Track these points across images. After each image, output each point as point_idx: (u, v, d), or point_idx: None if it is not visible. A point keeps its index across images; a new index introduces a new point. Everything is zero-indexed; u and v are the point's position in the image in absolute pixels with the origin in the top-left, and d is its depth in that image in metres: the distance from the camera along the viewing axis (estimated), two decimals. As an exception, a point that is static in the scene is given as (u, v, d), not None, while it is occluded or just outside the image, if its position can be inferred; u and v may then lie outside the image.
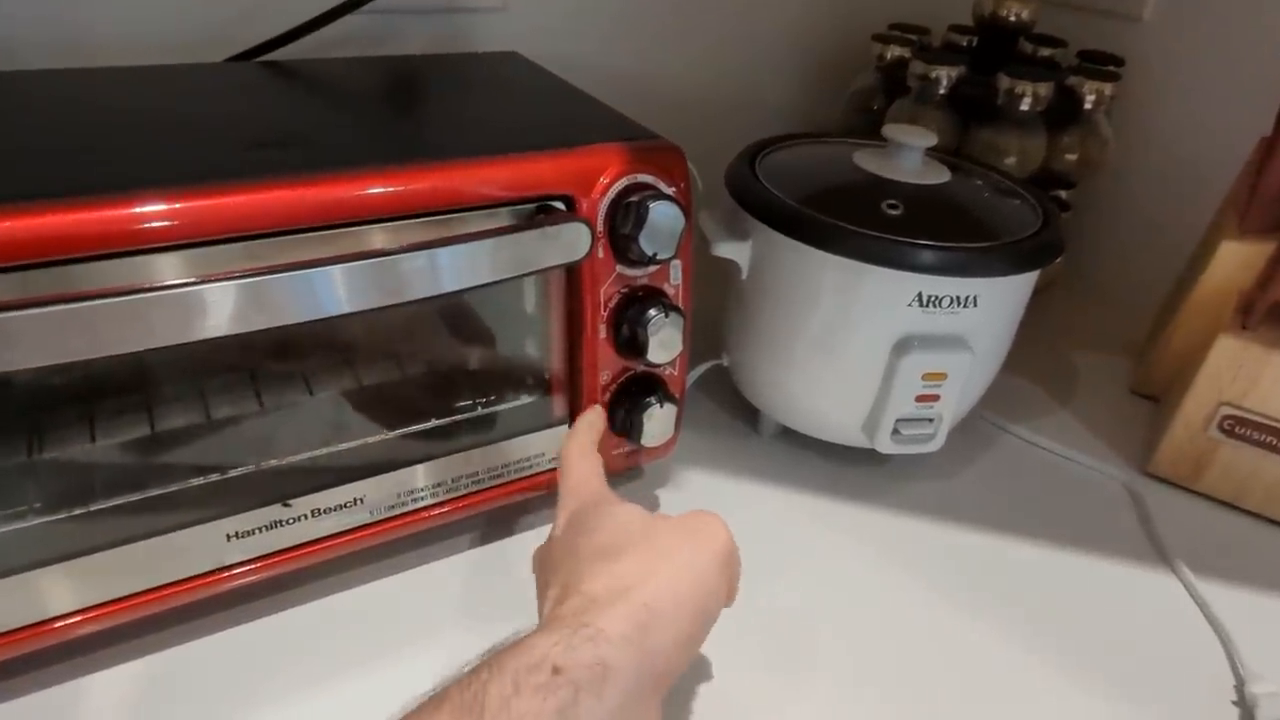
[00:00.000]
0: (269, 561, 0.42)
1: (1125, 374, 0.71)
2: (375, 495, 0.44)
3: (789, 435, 0.60)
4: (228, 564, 0.41)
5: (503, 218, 0.41)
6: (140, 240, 0.33)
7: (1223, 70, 0.72)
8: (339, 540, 0.44)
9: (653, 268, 0.45)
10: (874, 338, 0.50)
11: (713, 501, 0.54)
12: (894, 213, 0.50)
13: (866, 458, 0.57)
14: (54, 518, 0.38)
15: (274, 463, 0.42)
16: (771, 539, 0.51)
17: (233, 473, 0.41)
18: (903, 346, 0.50)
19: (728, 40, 0.81)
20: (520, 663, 0.29)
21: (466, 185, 0.39)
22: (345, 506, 0.44)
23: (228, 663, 0.42)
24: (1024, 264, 0.50)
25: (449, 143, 0.44)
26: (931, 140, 0.54)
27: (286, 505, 0.42)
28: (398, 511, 0.45)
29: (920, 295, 0.48)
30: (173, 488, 0.40)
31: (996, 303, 0.51)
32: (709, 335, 0.58)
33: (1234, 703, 0.44)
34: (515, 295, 0.47)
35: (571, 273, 0.44)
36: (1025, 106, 0.69)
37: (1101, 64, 0.74)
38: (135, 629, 0.41)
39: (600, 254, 0.43)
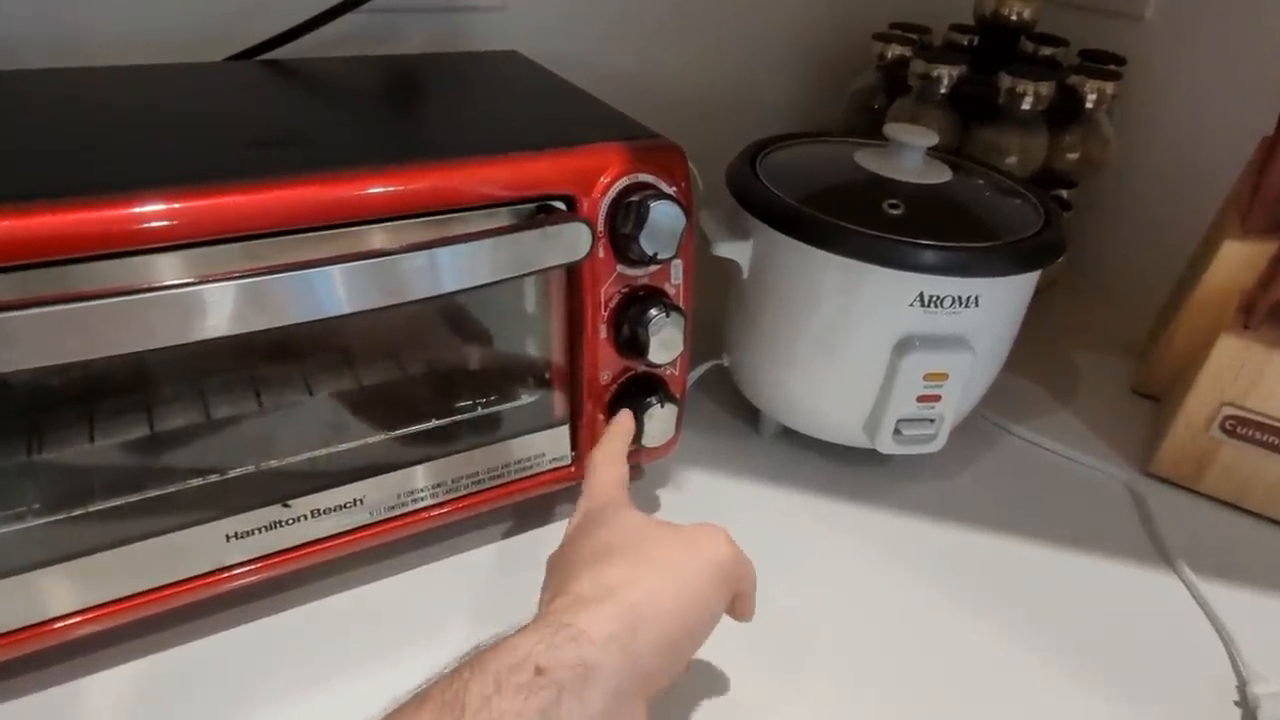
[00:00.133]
0: (269, 562, 0.42)
1: (1127, 374, 0.71)
2: (375, 496, 0.44)
3: (790, 435, 0.59)
4: (227, 564, 0.41)
5: (503, 217, 0.41)
6: (139, 240, 0.33)
7: (1224, 69, 0.72)
8: (339, 541, 0.44)
9: (653, 267, 0.45)
10: (875, 338, 0.50)
11: (713, 501, 0.55)
12: (895, 212, 0.50)
13: (868, 458, 0.56)
14: (53, 518, 0.38)
15: (274, 463, 0.42)
16: (772, 539, 0.51)
17: (232, 473, 0.41)
18: (904, 346, 0.50)
19: (728, 39, 0.81)
20: (503, 662, 0.29)
21: (467, 185, 0.39)
22: (345, 507, 0.43)
23: (228, 663, 0.42)
24: (1025, 264, 0.49)
25: (449, 142, 0.44)
26: (933, 140, 0.54)
27: (286, 506, 0.42)
28: (398, 512, 0.45)
29: (921, 295, 0.48)
30: (172, 488, 0.40)
31: (998, 302, 0.50)
32: (710, 335, 0.58)
33: (1236, 703, 0.44)
34: (515, 295, 0.47)
35: (572, 272, 0.44)
36: (1027, 106, 0.69)
37: (1103, 63, 0.74)
38: (135, 629, 0.41)
39: (601, 254, 0.43)
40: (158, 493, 0.40)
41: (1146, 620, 0.49)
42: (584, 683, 0.29)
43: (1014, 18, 0.74)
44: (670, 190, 0.43)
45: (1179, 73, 0.75)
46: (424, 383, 0.49)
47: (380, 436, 0.45)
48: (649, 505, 0.54)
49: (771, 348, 0.55)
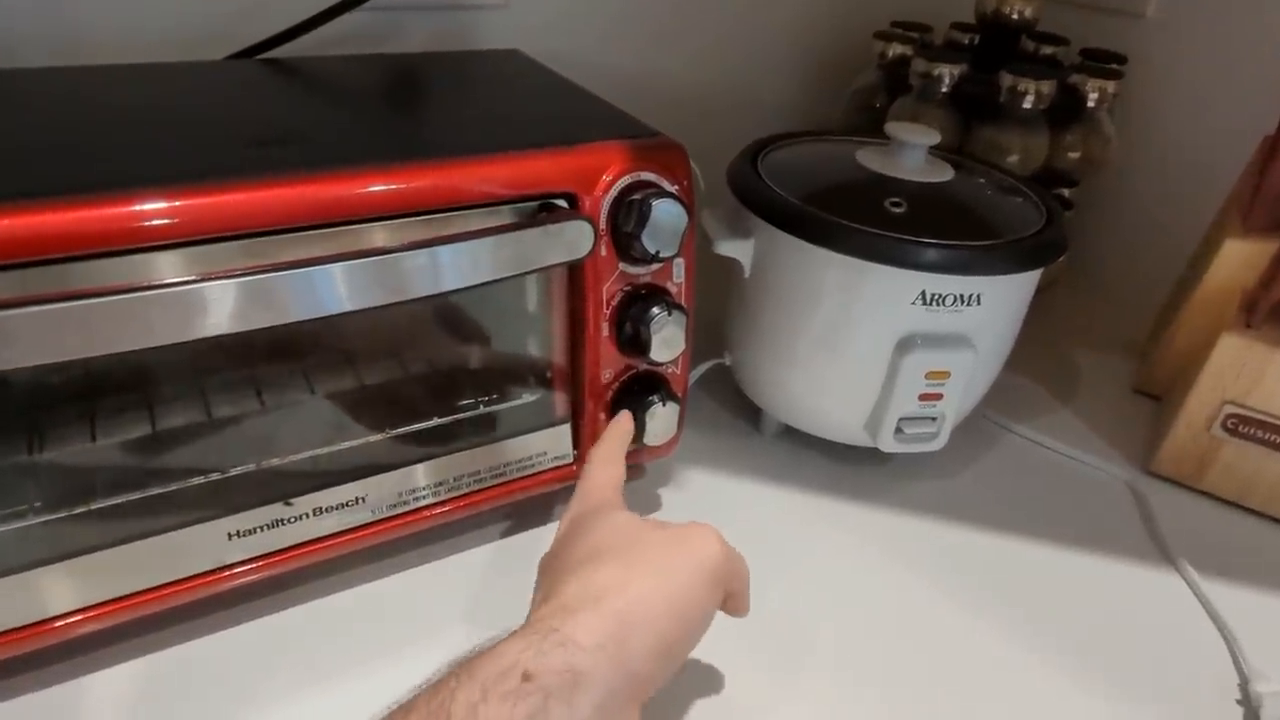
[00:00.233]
0: (270, 561, 0.42)
1: (1128, 373, 0.71)
2: (377, 494, 0.44)
3: (791, 434, 0.59)
4: (229, 563, 0.41)
5: (505, 216, 0.41)
6: (140, 238, 0.33)
7: (1226, 68, 0.72)
8: (340, 539, 0.44)
9: (655, 266, 0.45)
10: (877, 336, 0.50)
11: (715, 500, 0.54)
12: (897, 211, 0.50)
13: (869, 457, 0.56)
14: (54, 517, 0.37)
15: (275, 461, 0.42)
16: (773, 538, 0.51)
17: (234, 471, 0.41)
18: (906, 345, 0.49)
19: (730, 38, 0.80)
20: (490, 669, 0.29)
21: (468, 183, 0.39)
22: (347, 505, 0.43)
23: (228, 662, 0.42)
24: (1027, 262, 0.49)
25: (450, 141, 0.44)
26: (934, 138, 0.54)
27: (288, 504, 0.42)
28: (399, 510, 0.45)
29: (923, 293, 0.48)
30: (173, 487, 0.40)
31: (999, 301, 0.50)
32: (711, 334, 0.58)
33: (1238, 702, 0.44)
34: (517, 294, 0.46)
35: (574, 271, 0.44)
36: (1028, 104, 0.69)
37: (1104, 62, 0.74)
38: (136, 628, 0.41)
39: (603, 252, 0.43)
40: (159, 491, 0.39)
41: (1148, 619, 0.49)
42: (572, 689, 0.29)
43: (1015, 16, 0.74)
44: (672, 189, 0.43)
45: (1180, 71, 0.75)
46: (425, 381, 0.49)
47: (382, 435, 0.45)
48: (650, 504, 0.53)
49: (773, 346, 0.55)
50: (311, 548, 0.43)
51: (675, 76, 0.78)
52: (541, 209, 0.41)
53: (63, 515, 0.38)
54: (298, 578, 0.45)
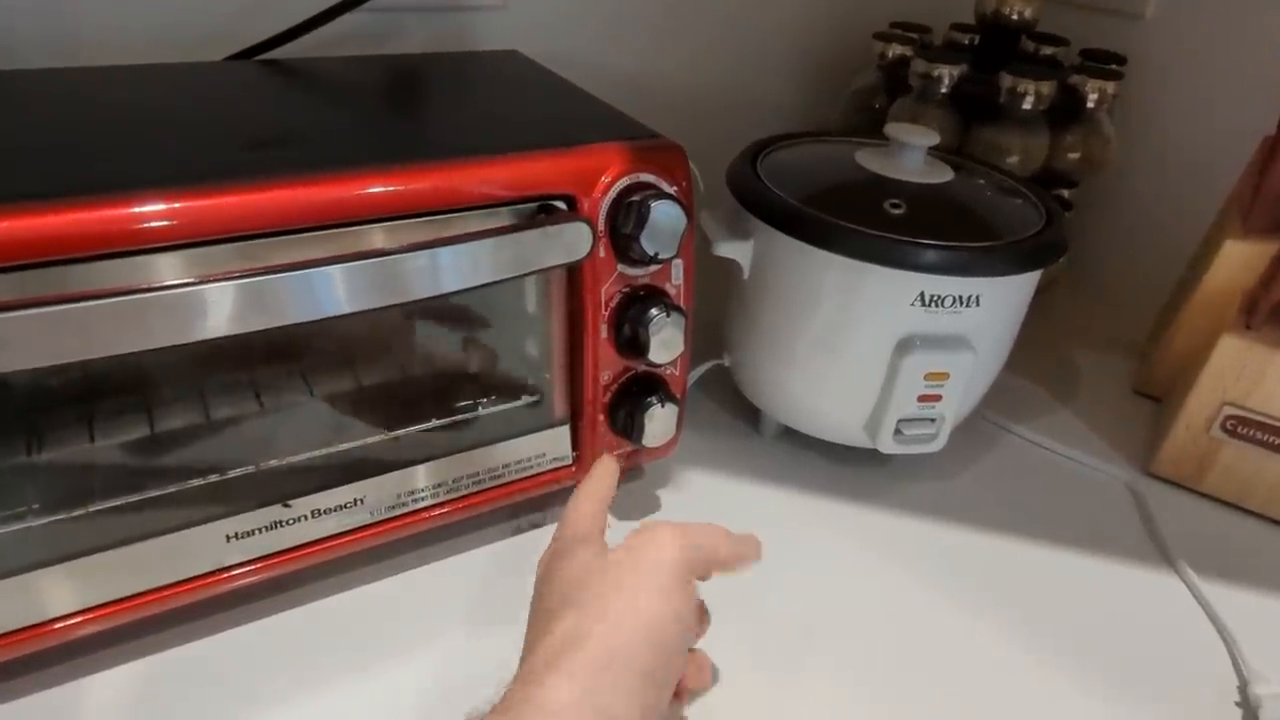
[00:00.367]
0: (269, 562, 0.42)
1: (1128, 374, 0.71)
2: (376, 496, 0.44)
3: (790, 435, 0.59)
4: (227, 565, 0.41)
5: (503, 217, 0.41)
6: (139, 240, 0.33)
7: (1225, 69, 0.72)
8: (339, 541, 0.44)
9: (654, 267, 0.45)
10: (876, 337, 0.50)
11: (714, 502, 0.54)
12: (896, 212, 0.50)
13: (868, 458, 0.56)
14: (54, 518, 0.37)
15: (274, 463, 0.42)
16: (772, 539, 0.51)
17: (232, 473, 0.41)
18: (905, 346, 0.49)
19: (729, 39, 0.80)
20: None
21: (467, 184, 0.39)
22: (346, 507, 0.43)
23: (228, 663, 0.42)
24: (1026, 263, 0.49)
25: (449, 142, 0.44)
26: (934, 139, 0.54)
27: (287, 506, 0.42)
28: (398, 512, 0.45)
29: (923, 295, 0.48)
30: (172, 488, 0.40)
31: (999, 302, 0.50)
32: (710, 335, 0.58)
33: (1237, 704, 0.44)
34: (516, 295, 0.46)
35: (573, 272, 0.44)
36: (1027, 105, 0.69)
37: (1104, 62, 0.74)
38: (135, 629, 0.41)
39: (601, 253, 0.43)
40: (158, 493, 0.39)
41: (1147, 620, 0.49)
42: None
43: (1015, 17, 0.74)
44: (671, 190, 0.43)
45: (1180, 72, 0.75)
46: (424, 382, 0.49)
47: (380, 436, 0.45)
48: (649, 505, 0.53)
49: (772, 347, 0.55)
50: (310, 549, 0.43)
51: (674, 77, 0.78)
52: (540, 210, 0.41)
53: (62, 517, 0.38)
54: (297, 579, 0.45)
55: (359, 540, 0.44)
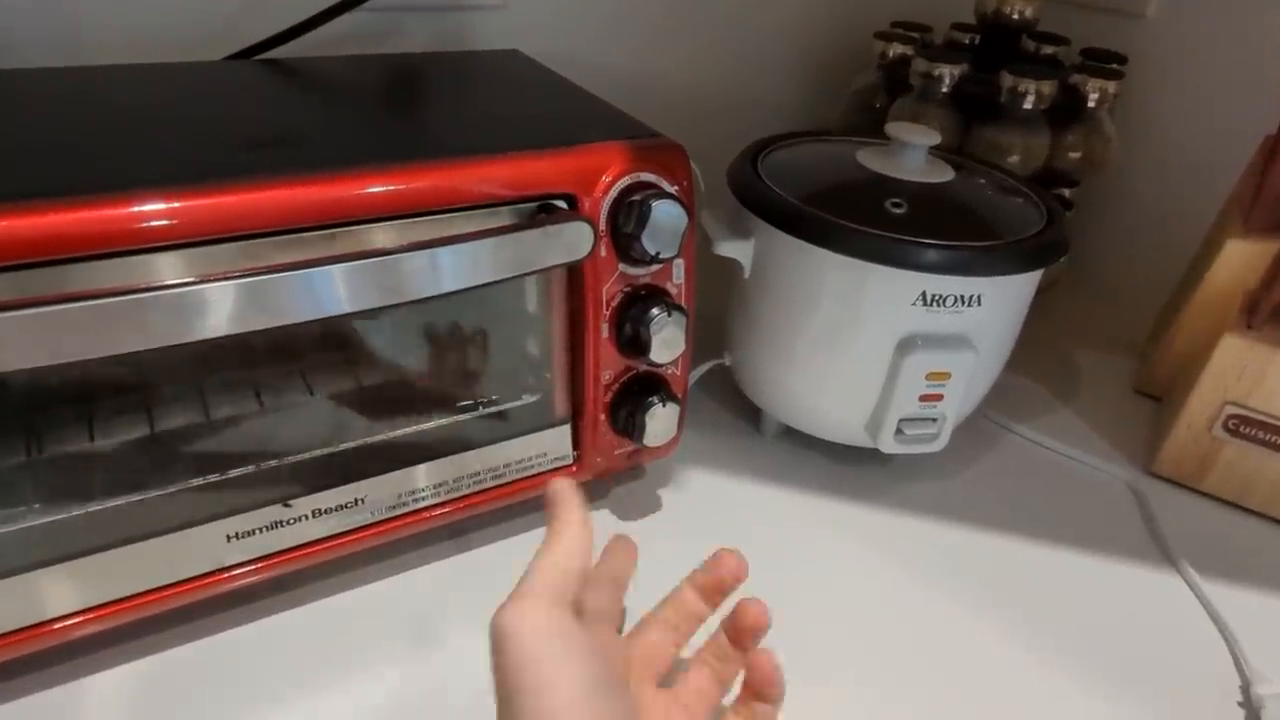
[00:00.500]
0: (269, 562, 0.42)
1: (1129, 373, 0.71)
2: (376, 495, 0.44)
3: (791, 435, 0.59)
4: (228, 565, 0.41)
5: (504, 217, 0.41)
6: (138, 239, 0.33)
7: (1227, 68, 0.72)
8: (340, 541, 0.44)
9: (655, 267, 0.45)
10: (877, 337, 0.50)
11: (715, 502, 0.54)
12: (897, 211, 0.50)
13: (869, 457, 0.56)
14: (53, 518, 0.37)
15: (274, 463, 0.42)
16: (773, 539, 0.51)
17: (233, 473, 0.41)
18: (906, 346, 0.49)
19: (730, 38, 0.80)
20: None
21: (468, 184, 0.39)
22: (346, 507, 0.43)
23: (228, 663, 0.42)
24: (1028, 263, 0.49)
25: (450, 141, 0.44)
26: (935, 139, 0.54)
27: (287, 505, 0.42)
28: (399, 512, 0.45)
29: (924, 294, 0.48)
30: (172, 488, 0.40)
31: (1000, 302, 0.50)
32: (711, 334, 0.58)
33: (1239, 704, 0.44)
34: (517, 295, 0.46)
35: (573, 272, 0.44)
36: (1028, 105, 0.69)
37: (1105, 62, 0.74)
38: (135, 629, 0.41)
39: (602, 253, 0.43)
40: (158, 493, 0.39)
41: (1149, 620, 0.49)
42: None
43: (1016, 16, 0.74)
44: (672, 189, 0.43)
45: (1181, 71, 0.75)
46: (424, 382, 0.49)
47: (381, 436, 0.45)
48: (650, 505, 0.53)
49: (773, 347, 0.55)
50: (311, 549, 0.43)
51: (675, 77, 0.78)
52: (541, 210, 0.41)
53: (62, 517, 0.37)
54: (297, 579, 0.45)
55: (359, 540, 0.44)
